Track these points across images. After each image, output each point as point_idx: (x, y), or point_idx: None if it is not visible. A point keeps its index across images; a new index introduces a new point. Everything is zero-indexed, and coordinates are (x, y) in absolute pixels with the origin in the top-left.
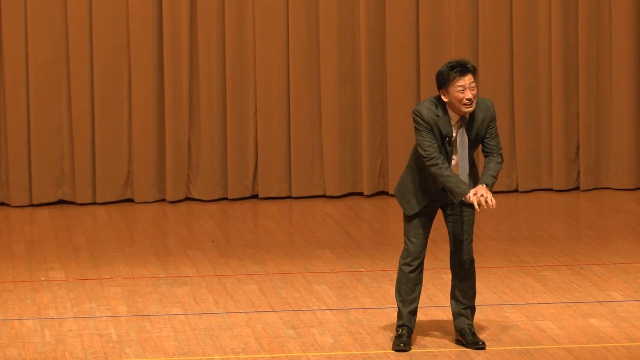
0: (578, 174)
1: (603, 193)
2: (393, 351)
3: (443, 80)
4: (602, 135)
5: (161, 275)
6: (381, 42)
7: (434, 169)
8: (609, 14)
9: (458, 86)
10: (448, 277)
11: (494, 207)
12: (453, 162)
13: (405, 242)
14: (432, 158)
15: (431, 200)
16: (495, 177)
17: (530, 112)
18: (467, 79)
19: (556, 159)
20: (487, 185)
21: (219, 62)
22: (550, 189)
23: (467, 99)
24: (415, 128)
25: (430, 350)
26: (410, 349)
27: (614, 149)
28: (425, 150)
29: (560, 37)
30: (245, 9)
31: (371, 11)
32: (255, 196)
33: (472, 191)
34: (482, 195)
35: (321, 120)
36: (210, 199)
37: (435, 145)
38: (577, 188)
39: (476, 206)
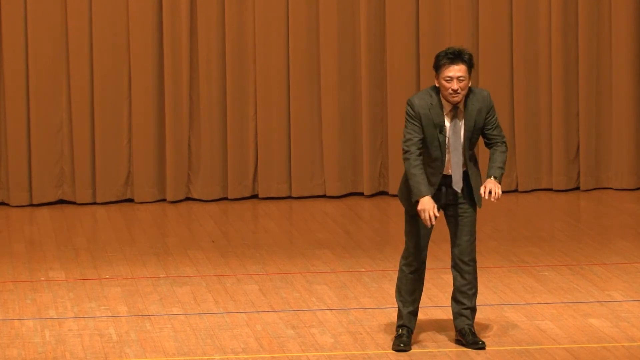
0: (578, 174)
1: (603, 193)
2: (393, 351)
3: (436, 65)
4: (602, 135)
5: (161, 275)
6: (381, 42)
7: (405, 163)
8: (609, 14)
9: (446, 75)
10: (448, 277)
11: (498, 198)
12: (447, 155)
13: (406, 242)
14: (407, 152)
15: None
16: (502, 168)
17: (530, 112)
18: (457, 69)
19: (556, 159)
20: (495, 177)
21: (219, 62)
22: (550, 189)
23: (452, 89)
24: (405, 118)
25: (430, 350)
26: (410, 349)
27: (614, 149)
28: (404, 142)
29: (560, 37)
30: (245, 9)
31: (371, 11)
32: (255, 196)
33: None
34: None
35: (321, 120)
36: (210, 199)
37: (415, 139)
38: (577, 188)
39: (485, 196)
